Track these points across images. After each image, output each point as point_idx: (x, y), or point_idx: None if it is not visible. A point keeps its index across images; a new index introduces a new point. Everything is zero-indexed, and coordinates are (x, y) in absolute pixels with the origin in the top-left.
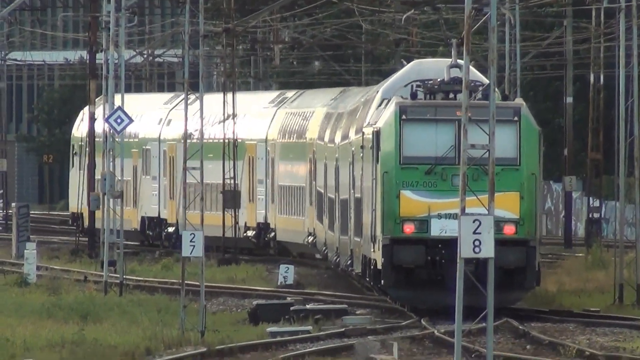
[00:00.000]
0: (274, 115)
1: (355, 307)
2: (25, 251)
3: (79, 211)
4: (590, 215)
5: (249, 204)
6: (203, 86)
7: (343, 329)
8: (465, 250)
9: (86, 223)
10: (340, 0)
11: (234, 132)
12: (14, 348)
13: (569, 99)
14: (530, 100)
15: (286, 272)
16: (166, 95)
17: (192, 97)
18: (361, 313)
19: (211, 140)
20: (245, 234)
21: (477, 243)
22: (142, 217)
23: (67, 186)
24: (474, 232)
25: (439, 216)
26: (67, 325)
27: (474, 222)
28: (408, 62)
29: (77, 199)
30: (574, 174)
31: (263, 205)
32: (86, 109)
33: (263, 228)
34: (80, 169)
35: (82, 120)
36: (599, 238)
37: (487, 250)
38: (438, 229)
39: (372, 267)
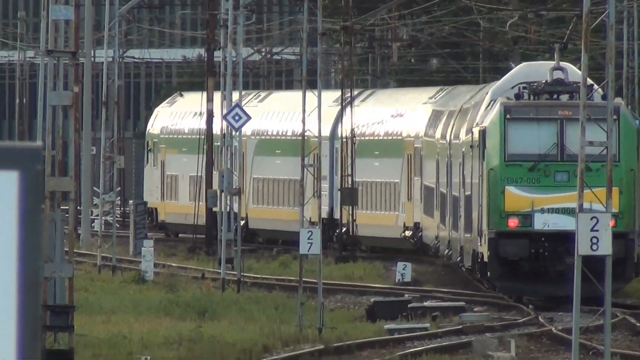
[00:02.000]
0: (342, 113)
1: (472, 304)
2: (142, 248)
3: (154, 206)
4: None
5: (312, 199)
6: (321, 84)
7: (460, 326)
8: (582, 248)
9: (160, 217)
10: None
11: (352, 130)
12: (131, 345)
13: None
14: None
15: (404, 270)
16: (235, 93)
17: (262, 94)
18: (479, 310)
19: (286, 137)
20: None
21: (594, 240)
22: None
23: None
24: (592, 229)
25: (542, 211)
26: (185, 322)
27: (591, 219)
28: (522, 62)
29: (152, 194)
30: None
31: (326, 201)
32: (159, 108)
33: (327, 223)
34: (153, 166)
35: (156, 117)
36: None
37: (605, 247)
38: (541, 223)
39: (479, 260)
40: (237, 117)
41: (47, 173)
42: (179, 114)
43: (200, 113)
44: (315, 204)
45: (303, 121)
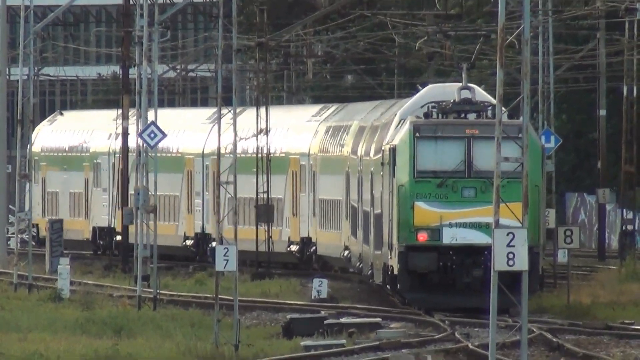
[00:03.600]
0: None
1: (389, 321)
2: (58, 266)
3: (35, 223)
4: (624, 228)
5: (187, 215)
6: (236, 101)
7: (377, 343)
8: (499, 263)
9: (41, 233)
10: (373, 14)
11: (268, 146)
12: None
13: (602, 112)
14: (563, 112)
15: (320, 286)
16: (115, 112)
17: (132, 111)
18: (395, 326)
19: (165, 155)
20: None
21: (510, 256)
22: (94, 227)
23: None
24: (508, 245)
25: (450, 225)
26: (101, 340)
27: (507, 234)
28: (437, 77)
29: (33, 210)
30: (607, 186)
31: (199, 216)
32: (40, 126)
33: (200, 237)
34: (35, 183)
35: (37, 135)
36: (633, 250)
37: (521, 263)
38: (449, 237)
39: (389, 273)
40: (152, 135)
41: None
42: (59, 132)
43: (84, 131)
44: (191, 220)
45: (218, 139)
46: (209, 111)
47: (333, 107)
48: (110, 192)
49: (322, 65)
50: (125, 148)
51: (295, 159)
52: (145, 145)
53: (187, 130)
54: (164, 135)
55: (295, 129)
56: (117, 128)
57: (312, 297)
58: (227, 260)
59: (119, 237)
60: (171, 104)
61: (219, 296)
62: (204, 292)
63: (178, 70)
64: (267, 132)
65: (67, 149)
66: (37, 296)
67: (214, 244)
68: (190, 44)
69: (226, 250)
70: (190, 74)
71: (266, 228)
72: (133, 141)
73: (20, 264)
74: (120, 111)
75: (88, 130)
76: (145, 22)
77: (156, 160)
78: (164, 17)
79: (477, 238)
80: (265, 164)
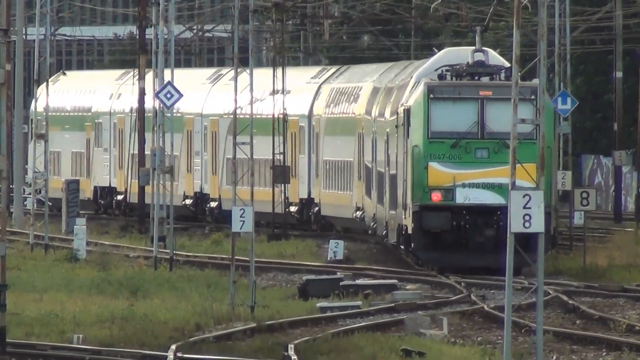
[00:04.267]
0: (209, 92)
1: (404, 282)
2: (75, 227)
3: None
4: None
5: (187, 174)
6: (253, 61)
7: (393, 304)
8: (515, 225)
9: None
10: None
11: (283, 108)
12: (63, 324)
13: (619, 74)
14: (580, 74)
15: (336, 247)
16: (117, 72)
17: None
18: (411, 288)
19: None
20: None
21: (527, 218)
22: (95, 187)
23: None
24: (524, 207)
25: (463, 185)
26: (117, 300)
27: (524, 196)
28: (454, 39)
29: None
30: (623, 148)
31: (198, 175)
32: (43, 86)
33: (199, 197)
34: (39, 142)
35: (40, 95)
36: None
37: (537, 225)
38: (462, 197)
39: (403, 232)
40: (169, 95)
41: None
42: (62, 92)
43: (86, 91)
44: (190, 179)
45: (235, 100)
46: (209, 71)
47: (333, 69)
48: (111, 152)
49: (338, 26)
50: (141, 108)
51: (294, 121)
52: (161, 105)
53: (186, 90)
54: (181, 95)
55: (294, 90)
56: (119, 88)
57: (328, 259)
58: (244, 222)
59: (119, 197)
60: (187, 64)
61: (235, 257)
62: (220, 253)
63: (194, 31)
64: (284, 93)
65: (69, 109)
66: (53, 256)
67: (212, 204)
68: (207, 4)
69: (242, 211)
70: (207, 34)
71: (282, 189)
72: (131, 102)
73: (36, 224)
74: (122, 71)
75: (90, 90)
76: None
77: (172, 121)
78: None
79: (489, 198)
80: (282, 125)
